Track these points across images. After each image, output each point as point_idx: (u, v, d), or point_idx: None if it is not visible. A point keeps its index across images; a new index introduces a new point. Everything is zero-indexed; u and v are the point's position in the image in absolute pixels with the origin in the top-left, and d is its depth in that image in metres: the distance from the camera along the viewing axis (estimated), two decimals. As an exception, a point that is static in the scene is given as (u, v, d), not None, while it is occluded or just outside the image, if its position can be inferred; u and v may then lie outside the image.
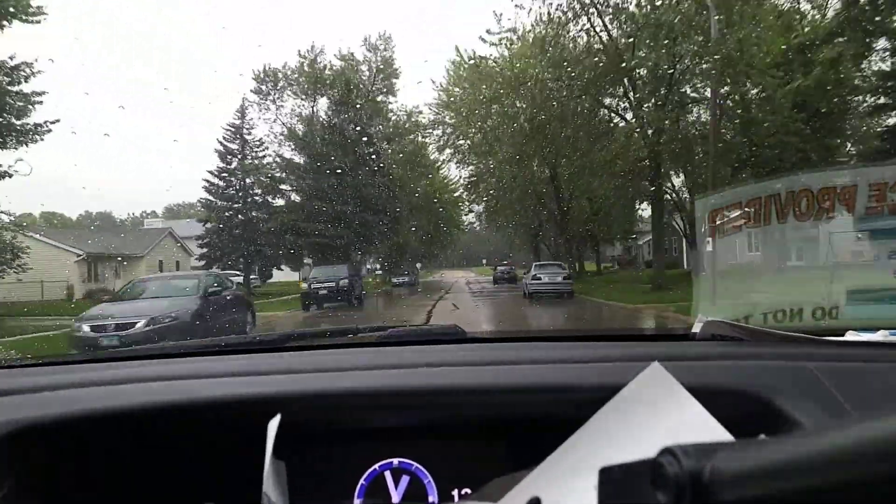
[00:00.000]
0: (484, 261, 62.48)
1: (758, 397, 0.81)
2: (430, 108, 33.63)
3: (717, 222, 1.51)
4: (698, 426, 0.71)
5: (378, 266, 40.99)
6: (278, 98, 34.65)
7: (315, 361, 1.04)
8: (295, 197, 31.79)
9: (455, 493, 0.94)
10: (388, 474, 0.95)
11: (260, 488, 0.72)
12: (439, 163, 36.88)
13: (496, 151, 28.36)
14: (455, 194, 40.72)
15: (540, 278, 20.38)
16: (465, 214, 43.73)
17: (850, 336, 1.07)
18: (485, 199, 36.58)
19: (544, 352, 1.05)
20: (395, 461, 0.95)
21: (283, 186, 32.13)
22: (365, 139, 30.66)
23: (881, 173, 1.41)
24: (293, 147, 33.23)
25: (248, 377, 0.95)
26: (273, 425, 0.78)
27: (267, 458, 0.74)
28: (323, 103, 34.21)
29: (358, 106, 31.99)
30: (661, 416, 0.73)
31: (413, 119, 36.37)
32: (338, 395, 0.90)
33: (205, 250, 30.62)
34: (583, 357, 0.97)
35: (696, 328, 1.11)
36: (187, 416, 0.89)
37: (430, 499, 0.94)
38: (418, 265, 46.38)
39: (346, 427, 0.97)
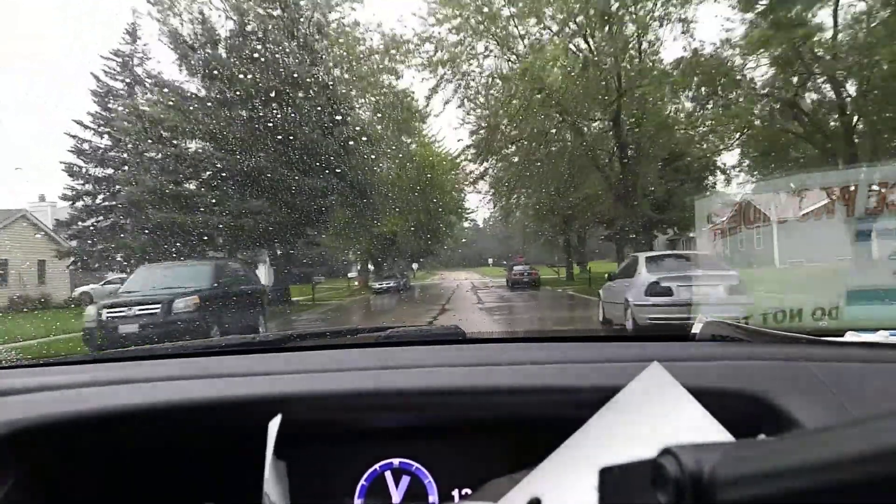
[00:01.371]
0: (490, 260, 53.70)
1: (758, 398, 0.81)
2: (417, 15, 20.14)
3: (718, 222, 1.51)
4: (698, 426, 0.71)
5: (358, 267, 31.04)
6: (186, 9, 18.85)
7: (315, 361, 1.04)
8: (198, 146, 18.07)
9: (455, 493, 0.94)
10: (388, 474, 0.95)
11: (260, 488, 0.72)
12: (433, 111, 23.52)
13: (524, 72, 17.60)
14: (454, 171, 27.98)
15: (669, 291, 8.58)
16: (470, 188, 28.47)
17: (850, 336, 1.07)
18: (508, 158, 23.53)
19: (544, 352, 1.05)
20: (396, 461, 0.95)
21: (166, 134, 18.03)
22: (308, 62, 18.58)
23: (881, 174, 1.42)
24: (183, 66, 18.45)
25: (248, 377, 0.95)
26: (274, 425, 0.78)
27: (268, 458, 0.74)
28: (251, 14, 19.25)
29: (296, 7, 19.15)
30: (661, 417, 0.73)
31: (394, 42, 21.22)
32: (338, 396, 0.90)
33: (74, 243, 20.50)
34: (583, 357, 0.97)
35: (696, 328, 1.11)
36: (187, 416, 0.89)
37: (431, 499, 0.94)
38: (414, 265, 37.92)
39: (347, 427, 0.97)
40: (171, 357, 1.16)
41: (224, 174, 17.56)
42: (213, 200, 16.99)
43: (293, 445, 0.82)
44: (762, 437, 0.47)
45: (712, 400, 0.74)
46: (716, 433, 0.70)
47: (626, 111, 18.47)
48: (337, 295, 25.57)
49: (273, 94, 17.55)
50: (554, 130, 20.81)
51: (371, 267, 32.11)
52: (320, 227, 21.03)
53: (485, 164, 24.03)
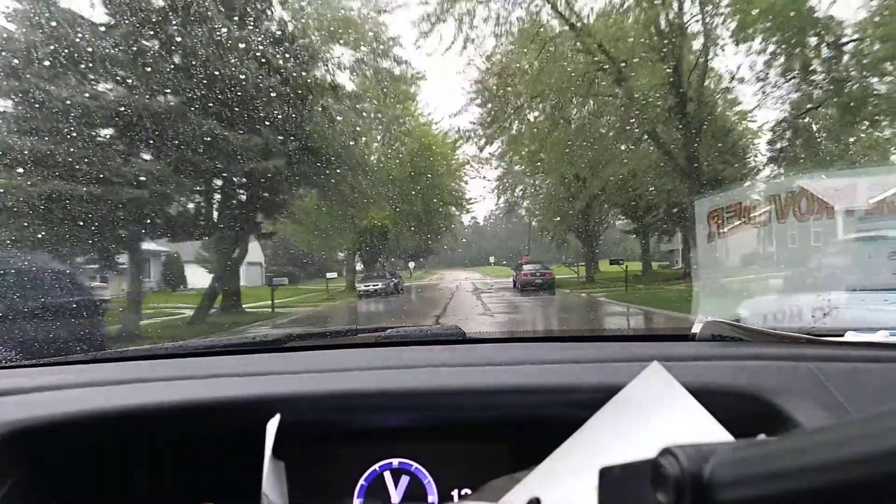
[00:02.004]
0: (492, 259, 49.28)
1: (758, 397, 0.82)
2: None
3: (718, 222, 1.51)
4: (698, 426, 0.71)
5: (345, 266, 26.50)
6: None
7: (315, 361, 1.04)
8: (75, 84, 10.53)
9: (455, 493, 0.94)
10: (387, 474, 0.95)
11: (260, 489, 0.72)
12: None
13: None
14: (454, 155, 23.53)
15: None
16: (474, 172, 24.32)
17: (850, 336, 1.07)
18: (523, 130, 17.76)
19: (544, 352, 1.05)
20: (395, 461, 0.95)
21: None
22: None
23: (881, 174, 1.42)
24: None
25: (248, 377, 0.95)
26: (272, 425, 0.78)
27: (266, 458, 0.74)
28: None
29: None
30: (661, 416, 0.73)
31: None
32: (338, 396, 0.90)
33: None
34: (583, 357, 0.97)
35: (696, 328, 1.11)
36: (187, 416, 0.89)
37: (430, 499, 0.94)
38: (411, 264, 33.73)
39: (346, 427, 0.97)
40: (170, 357, 1.16)
41: (110, 123, 10.53)
42: (87, 163, 10.13)
43: (293, 445, 0.82)
44: (762, 437, 0.47)
45: (712, 399, 0.74)
46: (716, 433, 0.70)
47: (686, 58, 13.48)
48: (311, 299, 20.66)
49: (187, 10, 10.74)
50: (589, 83, 14.44)
51: (360, 266, 27.42)
52: (274, 209, 14.97)
53: (492, 129, 17.09)
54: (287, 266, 29.36)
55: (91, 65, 10.78)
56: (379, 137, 19.34)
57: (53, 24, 10.42)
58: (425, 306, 16.52)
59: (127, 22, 10.96)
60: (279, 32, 13.16)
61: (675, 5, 13.68)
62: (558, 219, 26.21)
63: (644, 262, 28.76)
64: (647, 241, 29.33)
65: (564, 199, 23.61)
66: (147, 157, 11.40)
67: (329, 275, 24.46)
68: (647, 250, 29.55)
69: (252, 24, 12.44)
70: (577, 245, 29.40)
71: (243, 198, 14.11)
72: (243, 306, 16.06)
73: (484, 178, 26.00)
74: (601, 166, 17.57)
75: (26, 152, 10.01)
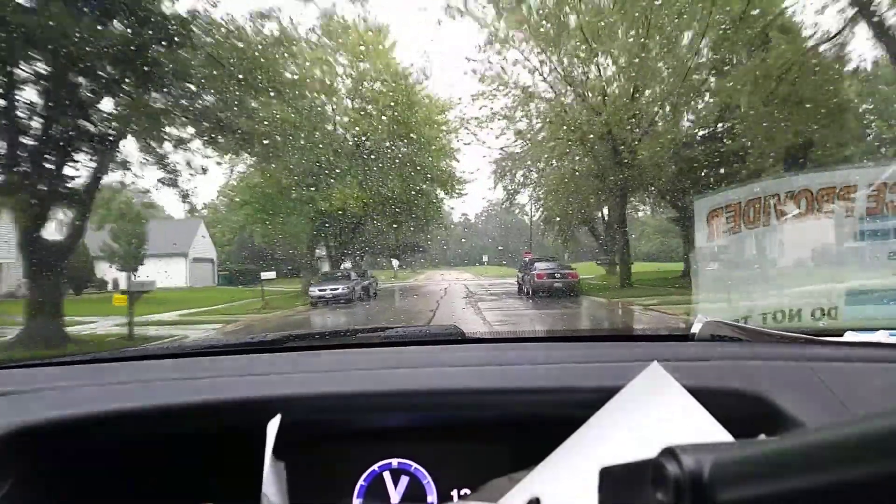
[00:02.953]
0: (485, 258, 42.31)
1: (757, 397, 0.82)
2: None
3: (717, 221, 1.52)
4: (698, 426, 0.71)
5: (305, 263, 20.37)
6: None
7: (315, 362, 1.04)
8: None
9: (454, 493, 0.95)
10: (387, 475, 0.95)
11: (260, 489, 0.72)
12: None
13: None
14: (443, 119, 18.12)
15: None
16: (478, 128, 17.44)
17: (850, 336, 1.07)
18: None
19: (544, 352, 1.05)
20: (395, 462, 0.95)
21: None
22: None
23: (880, 173, 1.42)
24: None
25: (248, 377, 0.95)
26: (273, 426, 0.78)
27: (267, 458, 0.74)
28: None
29: None
30: (661, 417, 0.73)
31: None
32: (337, 397, 0.90)
33: None
34: (582, 358, 0.97)
35: (696, 328, 1.11)
36: (187, 416, 0.89)
37: (430, 499, 0.94)
38: (395, 262, 28.44)
39: (346, 427, 0.97)
40: (170, 357, 1.16)
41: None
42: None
43: (292, 446, 0.82)
44: (762, 437, 0.47)
45: (712, 399, 0.74)
46: (716, 433, 0.70)
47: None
48: (241, 308, 15.30)
49: None
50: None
51: (327, 265, 21.26)
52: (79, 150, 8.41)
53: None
54: (246, 263, 22.62)
55: None
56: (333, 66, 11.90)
57: None
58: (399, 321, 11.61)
59: None
60: None
61: None
62: (576, 204, 19.83)
63: (686, 260, 21.66)
64: (691, 233, 24.55)
65: (590, 175, 17.61)
66: None
67: (265, 275, 17.30)
68: (692, 245, 24.70)
69: None
70: (587, 242, 23.80)
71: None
72: (66, 328, 9.18)
73: (483, 143, 19.58)
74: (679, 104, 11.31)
75: None
